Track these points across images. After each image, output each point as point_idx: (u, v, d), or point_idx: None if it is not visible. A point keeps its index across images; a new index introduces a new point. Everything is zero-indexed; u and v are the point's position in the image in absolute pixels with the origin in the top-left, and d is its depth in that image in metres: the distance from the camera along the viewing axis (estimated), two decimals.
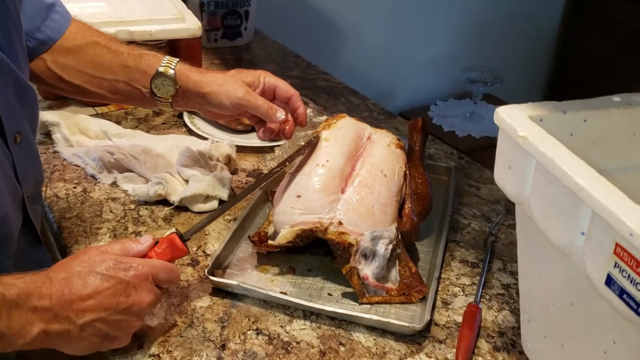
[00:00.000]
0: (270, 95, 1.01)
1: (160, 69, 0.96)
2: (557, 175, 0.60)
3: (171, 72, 0.96)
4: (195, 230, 0.87)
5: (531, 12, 2.84)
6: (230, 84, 0.96)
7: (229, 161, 1.18)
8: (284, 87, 1.00)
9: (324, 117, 1.21)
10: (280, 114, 0.97)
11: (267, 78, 1.00)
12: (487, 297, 0.92)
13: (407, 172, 0.97)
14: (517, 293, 0.92)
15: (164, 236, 0.82)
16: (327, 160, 0.92)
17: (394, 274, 0.90)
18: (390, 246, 0.89)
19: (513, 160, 0.69)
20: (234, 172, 1.19)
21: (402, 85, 2.70)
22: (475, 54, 2.73)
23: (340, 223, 0.88)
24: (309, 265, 0.95)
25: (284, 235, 0.89)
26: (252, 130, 1.33)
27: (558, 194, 0.61)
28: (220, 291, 0.89)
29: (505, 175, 0.71)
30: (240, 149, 1.25)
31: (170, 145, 1.20)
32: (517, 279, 0.95)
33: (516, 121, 0.67)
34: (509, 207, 1.13)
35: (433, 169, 1.20)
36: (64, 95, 1.09)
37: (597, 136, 0.74)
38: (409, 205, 0.92)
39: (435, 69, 2.71)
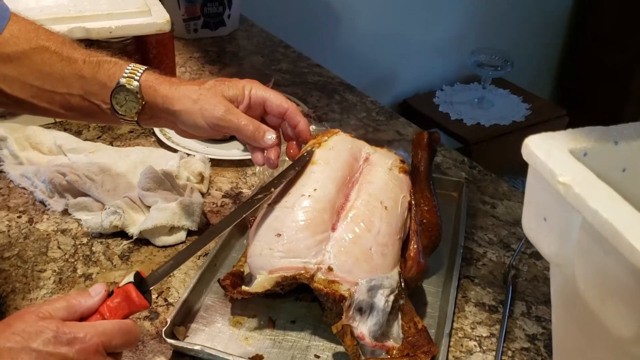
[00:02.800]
0: (260, 110, 0.82)
1: (122, 81, 0.78)
2: (617, 247, 0.43)
3: (135, 84, 0.78)
4: (159, 277, 0.70)
5: None
6: (206, 100, 0.78)
7: (201, 180, 1.01)
8: (275, 100, 0.81)
9: (325, 127, 1.03)
10: (270, 136, 0.79)
11: (253, 90, 0.81)
12: (509, 353, 0.75)
13: (413, 202, 0.80)
14: (545, 347, 0.76)
15: (120, 285, 0.66)
16: (315, 190, 0.75)
17: (396, 329, 0.74)
18: (392, 297, 0.72)
19: (549, 211, 0.52)
20: (207, 191, 1.02)
21: (405, 70, 2.50)
22: (483, 36, 2.53)
23: (330, 269, 0.71)
24: (292, 315, 0.79)
25: (261, 284, 0.73)
26: (233, 138, 1.16)
27: (618, 269, 0.44)
28: (182, 354, 0.73)
29: (539, 227, 0.54)
30: (217, 163, 1.08)
31: (133, 161, 1.03)
32: (544, 327, 0.79)
33: (554, 159, 0.50)
34: None
35: (440, 183, 1.03)
36: (9, 110, 0.91)
37: None
38: (415, 247, 0.75)
39: (440, 51, 2.52)
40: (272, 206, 0.76)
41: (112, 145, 1.13)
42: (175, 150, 1.09)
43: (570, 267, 0.51)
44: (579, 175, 0.48)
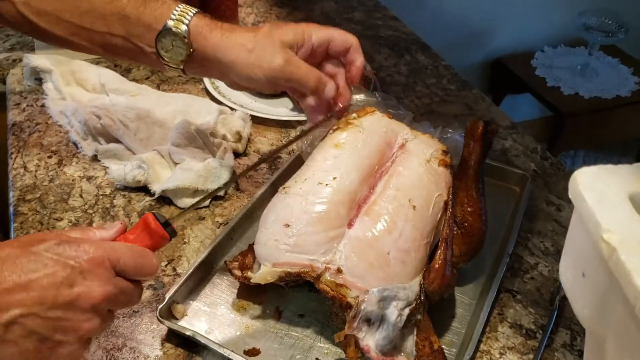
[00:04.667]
0: (321, 56, 0.76)
1: (170, 24, 0.71)
2: None
3: (183, 28, 0.71)
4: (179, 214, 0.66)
5: None
6: (263, 49, 0.71)
7: (239, 139, 0.95)
8: (339, 37, 0.74)
9: (376, 98, 0.93)
10: (330, 88, 0.73)
11: (314, 34, 0.73)
12: None
13: (450, 203, 0.69)
14: None
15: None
16: (335, 178, 0.66)
17: (411, 343, 0.65)
18: (407, 310, 0.63)
19: (589, 268, 0.41)
20: (244, 152, 0.95)
21: (504, 26, 2.29)
22: None
23: (339, 271, 0.63)
24: (301, 307, 0.72)
25: (263, 275, 0.66)
26: (284, 94, 1.08)
27: None
28: (177, 334, 0.68)
29: (576, 282, 0.43)
30: (261, 121, 1.00)
31: (173, 110, 0.98)
32: None
33: (604, 205, 0.39)
34: None
35: (502, 173, 0.91)
36: (52, 45, 0.86)
37: None
38: (442, 257, 0.65)
39: (545, 8, 2.27)
40: (285, 191, 0.68)
41: (159, 88, 1.08)
42: (220, 102, 1.02)
43: (603, 339, 0.40)
44: (631, 236, 0.37)
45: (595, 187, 0.40)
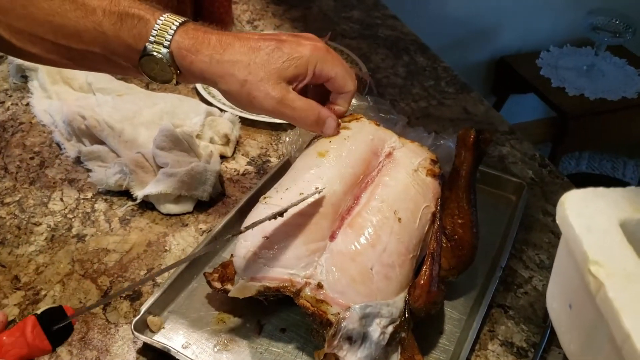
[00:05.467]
0: (319, 83, 0.69)
1: (149, 48, 0.63)
2: None
3: (164, 51, 0.63)
4: (83, 310, 0.58)
5: None
6: (256, 85, 0.63)
7: (226, 142, 0.92)
8: (340, 80, 0.67)
9: (368, 103, 0.89)
10: (330, 125, 0.67)
11: (319, 66, 0.65)
12: None
13: (438, 215, 0.66)
14: None
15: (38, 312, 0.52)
16: (317, 188, 0.63)
17: None
18: (390, 328, 0.60)
19: (576, 300, 0.38)
20: (232, 155, 0.92)
21: (510, 25, 2.25)
22: None
23: (319, 286, 0.60)
24: (284, 321, 0.69)
25: (240, 289, 0.63)
26: None
27: None
28: (152, 347, 0.66)
29: (562, 313, 0.40)
30: (251, 122, 0.97)
31: (160, 110, 0.95)
32: None
33: (592, 234, 0.36)
34: None
35: (498, 181, 0.88)
36: (35, 63, 0.78)
37: None
38: (428, 272, 0.62)
39: (552, 8, 2.23)
40: (265, 201, 0.65)
41: (147, 87, 1.05)
42: (209, 103, 0.99)
43: None
44: (621, 269, 0.34)
45: (583, 212, 0.37)
